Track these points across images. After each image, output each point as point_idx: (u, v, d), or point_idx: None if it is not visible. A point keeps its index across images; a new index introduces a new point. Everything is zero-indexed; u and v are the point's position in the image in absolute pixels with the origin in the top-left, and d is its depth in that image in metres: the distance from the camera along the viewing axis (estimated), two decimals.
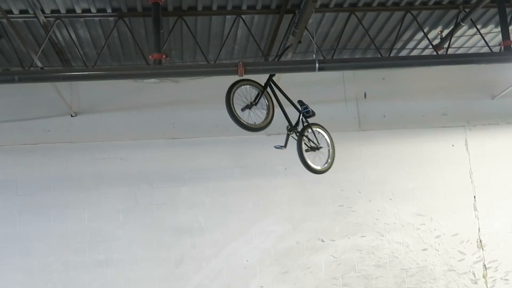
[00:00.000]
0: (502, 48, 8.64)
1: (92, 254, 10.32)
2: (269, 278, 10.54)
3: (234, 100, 8.04)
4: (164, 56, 7.82)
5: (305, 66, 8.29)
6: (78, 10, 8.68)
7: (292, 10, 8.88)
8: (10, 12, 8.56)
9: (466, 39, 10.26)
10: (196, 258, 10.50)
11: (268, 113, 8.48)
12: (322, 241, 10.75)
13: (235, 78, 8.26)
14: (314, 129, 9.07)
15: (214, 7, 8.85)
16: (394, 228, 10.90)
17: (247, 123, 8.13)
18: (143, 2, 8.45)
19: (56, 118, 10.73)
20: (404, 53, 10.59)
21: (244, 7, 8.92)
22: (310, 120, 9.15)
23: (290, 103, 8.91)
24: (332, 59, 9.30)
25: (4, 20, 8.56)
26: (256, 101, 8.30)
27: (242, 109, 8.25)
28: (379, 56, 9.25)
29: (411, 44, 10.40)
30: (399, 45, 10.28)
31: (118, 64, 10.53)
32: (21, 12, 8.62)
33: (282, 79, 10.25)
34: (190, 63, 9.39)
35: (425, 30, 9.79)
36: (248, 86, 8.30)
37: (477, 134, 11.40)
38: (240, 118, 8.05)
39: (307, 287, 10.49)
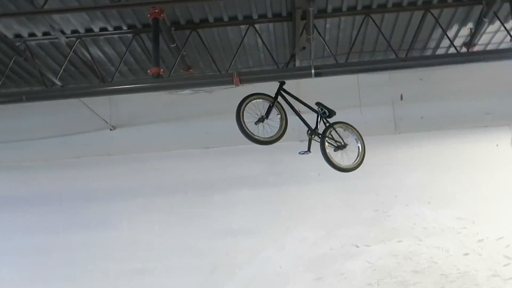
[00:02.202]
0: None
1: (130, 262, 10.68)
2: (302, 285, 10.48)
3: (245, 115, 8.06)
4: (161, 71, 8.02)
5: (301, 72, 8.20)
6: (96, 29, 9.07)
7: (304, 16, 8.83)
8: (34, 34, 9.08)
9: (490, 36, 9.78)
10: (230, 265, 10.62)
11: (281, 124, 8.44)
12: (357, 247, 10.57)
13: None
14: (337, 128, 8.93)
15: (225, 18, 8.97)
16: (433, 233, 10.52)
17: (258, 137, 8.13)
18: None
19: (96, 132, 11.22)
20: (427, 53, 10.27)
21: (255, 16, 8.99)
22: (332, 120, 9.01)
23: (307, 108, 8.82)
24: (328, 65, 9.10)
25: (30, 42, 9.11)
26: (268, 113, 8.28)
27: (256, 123, 8.27)
28: (391, 57, 8.99)
29: (433, 44, 10.08)
30: (420, 45, 9.95)
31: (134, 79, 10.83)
32: (44, 34, 9.12)
33: (312, 85, 10.28)
34: (186, 76, 9.53)
35: (448, 29, 9.44)
36: (257, 100, 8.31)
37: None
38: (251, 133, 8.04)
39: None
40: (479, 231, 10.46)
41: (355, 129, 9.15)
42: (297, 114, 8.61)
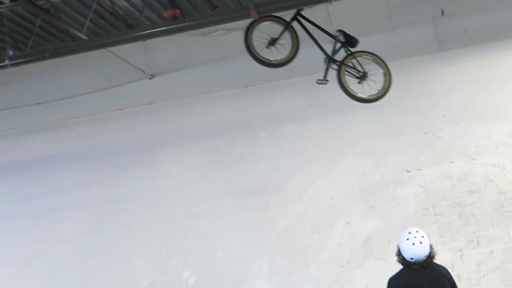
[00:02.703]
0: None
1: (183, 207, 10.82)
2: (355, 214, 10.36)
3: (256, 38, 7.93)
4: (178, 12, 7.89)
5: None
6: None
7: None
8: None
9: None
10: (280, 201, 10.59)
11: (292, 46, 8.23)
12: (408, 171, 10.30)
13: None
14: (358, 57, 8.59)
15: None
16: (487, 151, 10.10)
17: (267, 59, 8.03)
18: None
19: (136, 82, 11.27)
20: None
21: None
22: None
23: (325, 33, 8.53)
24: None
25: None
26: (280, 36, 8.10)
27: (267, 46, 8.10)
28: None
29: None
30: None
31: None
32: None
33: (343, 13, 9.93)
34: (198, 16, 9.30)
35: None
36: (270, 22, 8.12)
37: None
38: (259, 55, 7.98)
39: (396, 221, 10.13)
40: None
41: (380, 58, 8.74)
42: (314, 40, 8.33)
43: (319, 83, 8.50)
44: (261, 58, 8.08)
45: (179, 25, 8.28)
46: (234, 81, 10.99)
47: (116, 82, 11.26)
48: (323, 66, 8.73)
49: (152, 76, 11.25)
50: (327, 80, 8.51)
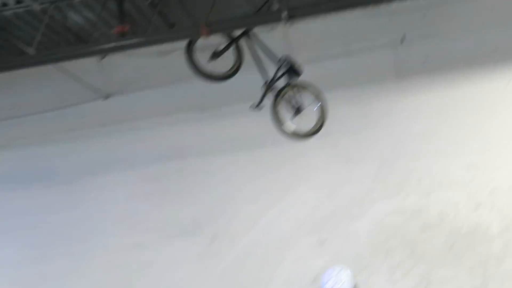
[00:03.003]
0: None
1: (128, 235, 10.40)
2: (306, 248, 9.96)
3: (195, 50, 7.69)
4: (126, 28, 7.60)
5: (271, 17, 7.49)
6: None
7: None
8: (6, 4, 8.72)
9: None
10: (230, 233, 10.19)
11: (235, 60, 7.96)
12: (361, 205, 9.93)
13: None
14: (297, 89, 8.26)
15: None
16: (441, 185, 9.70)
17: (208, 72, 7.73)
18: None
19: (89, 103, 10.93)
20: None
21: None
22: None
23: (269, 59, 8.23)
24: (304, 3, 8.27)
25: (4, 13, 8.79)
26: (223, 50, 7.83)
27: (209, 60, 7.90)
28: None
29: None
30: None
31: None
32: (17, 2, 8.70)
33: (303, 35, 9.66)
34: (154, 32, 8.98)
35: None
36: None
37: None
38: (200, 68, 7.70)
39: (347, 256, 9.75)
40: (490, 180, 9.59)
41: (318, 92, 8.38)
42: (257, 62, 8.02)
43: (253, 109, 8.17)
44: (201, 70, 7.82)
45: (128, 42, 7.93)
46: (191, 104, 10.63)
47: (69, 102, 10.92)
48: None
49: (107, 97, 10.92)
50: (261, 106, 8.19)
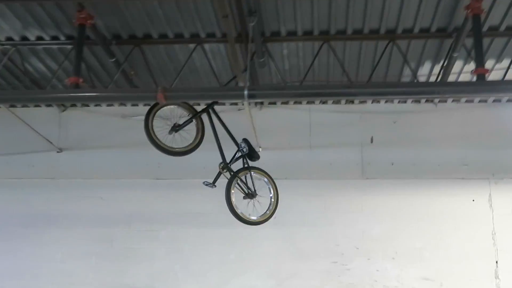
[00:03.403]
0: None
1: None
2: None
3: (153, 121, 7.31)
4: (81, 81, 7.23)
5: (233, 93, 7.26)
6: (32, 38, 8.38)
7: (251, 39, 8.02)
8: None
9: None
10: None
11: (196, 135, 7.63)
12: None
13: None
14: (253, 173, 7.99)
15: (170, 35, 8.23)
16: None
17: (167, 146, 7.35)
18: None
19: (42, 153, 10.44)
20: None
21: (203, 35, 8.24)
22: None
23: (230, 138, 7.97)
24: (265, 86, 8.16)
25: None
26: (184, 124, 7.49)
27: (169, 132, 7.46)
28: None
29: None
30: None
31: None
32: None
33: (269, 121, 9.57)
34: (108, 88, 8.72)
35: (419, 66, 8.60)
36: (174, 106, 7.52)
37: (503, 189, 9.75)
38: (159, 141, 7.30)
39: None
40: None
41: (273, 182, 8.17)
42: (217, 140, 7.73)
43: (206, 185, 7.80)
44: (160, 144, 7.39)
45: (85, 94, 7.53)
46: (146, 170, 10.26)
47: (19, 149, 10.44)
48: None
49: (60, 150, 10.46)
50: (214, 185, 7.83)
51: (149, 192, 10.18)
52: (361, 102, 10.20)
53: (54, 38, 8.35)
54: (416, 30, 8.00)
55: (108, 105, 10.56)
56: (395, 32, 8.04)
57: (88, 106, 10.58)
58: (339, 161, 10.00)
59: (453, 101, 10.08)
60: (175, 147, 7.50)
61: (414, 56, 8.50)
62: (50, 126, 10.42)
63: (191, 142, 7.58)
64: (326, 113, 10.21)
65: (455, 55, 7.93)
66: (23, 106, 10.56)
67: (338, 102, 10.24)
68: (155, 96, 6.93)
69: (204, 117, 7.75)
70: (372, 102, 10.20)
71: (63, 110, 10.62)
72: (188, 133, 7.66)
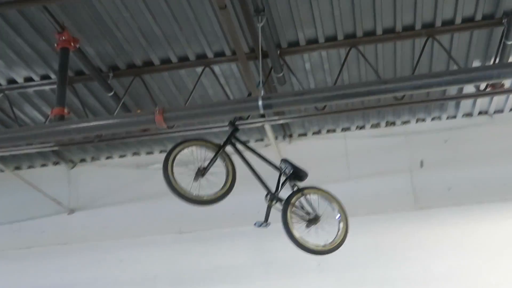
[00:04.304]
0: None
1: None
2: None
3: (173, 167, 6.08)
4: (67, 112, 6.13)
5: (244, 105, 5.96)
6: (20, 80, 7.42)
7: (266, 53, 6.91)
8: None
9: None
10: None
11: (226, 179, 6.34)
12: None
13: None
14: (308, 194, 6.67)
15: (174, 59, 7.17)
16: None
17: (193, 196, 6.07)
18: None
19: (52, 217, 9.41)
20: None
21: (210, 55, 7.15)
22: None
23: (266, 163, 6.71)
24: (281, 94, 6.80)
25: None
26: (210, 164, 6.23)
27: (195, 179, 6.22)
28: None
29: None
30: None
31: None
32: None
33: (305, 154, 8.38)
34: (98, 117, 7.56)
35: (459, 61, 7.30)
36: (194, 147, 6.30)
37: None
38: (183, 190, 6.02)
39: None
40: None
41: (334, 198, 6.84)
42: (252, 171, 6.48)
43: (259, 227, 6.49)
44: (185, 194, 6.10)
45: (64, 127, 6.16)
46: (168, 224, 9.12)
47: (28, 214, 9.45)
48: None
49: (71, 211, 9.42)
50: (268, 223, 6.50)
51: (173, 248, 9.02)
52: (403, 122, 8.95)
53: (44, 77, 7.38)
54: (458, 20, 6.76)
55: (120, 156, 9.55)
56: (434, 26, 6.81)
57: (99, 160, 9.58)
58: (386, 192, 8.67)
59: (510, 110, 8.75)
60: (203, 195, 6.22)
61: (460, 51, 7.20)
62: (59, 186, 9.46)
63: (221, 186, 6.28)
64: (364, 139, 8.99)
65: (509, 42, 6.64)
66: (28, 168, 9.63)
67: (377, 126, 9.02)
68: (153, 119, 5.75)
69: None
70: (416, 122, 8.93)
71: (72, 167, 9.64)
72: (217, 176, 6.42)
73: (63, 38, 6.17)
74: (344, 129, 9.07)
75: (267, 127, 8.20)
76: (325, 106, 7.07)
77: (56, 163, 9.61)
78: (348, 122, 8.96)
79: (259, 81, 6.33)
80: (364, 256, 8.41)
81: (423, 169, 8.74)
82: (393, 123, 8.96)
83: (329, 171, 8.79)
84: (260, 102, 5.61)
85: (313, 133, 9.15)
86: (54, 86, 7.43)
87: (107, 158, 9.56)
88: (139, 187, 9.32)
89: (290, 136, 9.16)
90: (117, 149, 9.40)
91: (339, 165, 8.87)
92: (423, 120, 8.91)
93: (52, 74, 7.31)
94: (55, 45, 6.29)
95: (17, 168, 9.60)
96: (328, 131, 9.10)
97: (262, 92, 5.86)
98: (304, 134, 9.17)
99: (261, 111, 5.66)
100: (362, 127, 9.05)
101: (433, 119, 8.87)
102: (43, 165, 9.65)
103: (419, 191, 8.66)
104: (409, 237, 8.44)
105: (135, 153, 9.49)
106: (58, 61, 6.62)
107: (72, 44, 6.25)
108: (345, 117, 8.80)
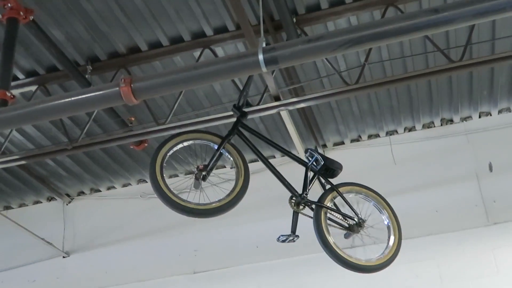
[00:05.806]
0: None
1: None
2: None
3: (164, 169, 4.53)
4: (11, 96, 4.68)
5: (240, 62, 4.24)
6: None
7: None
8: None
9: None
10: None
11: (236, 181, 4.70)
12: None
13: None
14: (346, 193, 5.02)
15: (165, 42, 5.74)
16: None
17: (189, 204, 4.46)
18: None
19: (44, 262, 8.04)
20: None
21: (209, 32, 5.70)
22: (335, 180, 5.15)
23: (286, 155, 5.09)
24: (286, 43, 5.01)
25: None
26: (213, 162, 4.63)
27: (194, 185, 4.63)
28: None
29: None
30: None
31: None
32: None
33: (345, 169, 6.71)
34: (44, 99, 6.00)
35: None
36: (192, 141, 4.73)
37: None
38: (176, 197, 4.44)
39: None
40: None
41: (381, 197, 5.15)
42: (270, 167, 4.85)
43: (283, 241, 4.80)
44: (178, 202, 4.51)
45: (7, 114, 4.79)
46: (180, 263, 7.76)
47: (16, 261, 8.13)
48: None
49: (67, 254, 8.08)
50: (295, 236, 4.82)
51: None
52: (463, 119, 7.31)
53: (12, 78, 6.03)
54: None
55: (124, 186, 8.11)
56: None
57: (99, 191, 8.14)
58: (449, 205, 7.07)
59: None
60: (208, 202, 4.60)
61: None
62: (53, 225, 8.18)
63: (231, 188, 4.64)
64: (415, 143, 7.40)
65: None
66: (20, 206, 8.28)
67: (430, 125, 7.38)
68: (118, 92, 4.20)
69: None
70: (479, 117, 7.30)
71: (69, 202, 8.26)
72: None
73: (9, 5, 4.80)
74: (389, 133, 7.47)
75: (294, 137, 6.64)
76: (358, 79, 5.46)
77: (50, 199, 8.24)
78: (394, 124, 7.35)
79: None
80: (426, 284, 6.73)
81: (492, 174, 7.10)
82: (451, 121, 7.38)
83: (374, 184, 7.09)
84: (260, 56, 4.01)
85: (352, 141, 7.55)
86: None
87: (108, 188, 8.15)
88: (146, 220, 7.93)
89: (324, 146, 7.57)
90: (119, 176, 8.05)
91: (385, 176, 7.17)
92: (488, 114, 7.24)
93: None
94: (0, 15, 4.94)
95: (7, 207, 8.28)
96: (370, 136, 7.51)
97: (264, 44, 4.28)
98: (341, 143, 7.58)
99: (264, 69, 4.05)
100: (411, 129, 7.43)
101: (500, 112, 7.19)
102: (36, 202, 8.30)
103: (490, 202, 7.03)
104: (481, 260, 6.84)
105: (140, 180, 8.06)
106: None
107: (22, 14, 4.87)
108: (389, 117, 7.21)
